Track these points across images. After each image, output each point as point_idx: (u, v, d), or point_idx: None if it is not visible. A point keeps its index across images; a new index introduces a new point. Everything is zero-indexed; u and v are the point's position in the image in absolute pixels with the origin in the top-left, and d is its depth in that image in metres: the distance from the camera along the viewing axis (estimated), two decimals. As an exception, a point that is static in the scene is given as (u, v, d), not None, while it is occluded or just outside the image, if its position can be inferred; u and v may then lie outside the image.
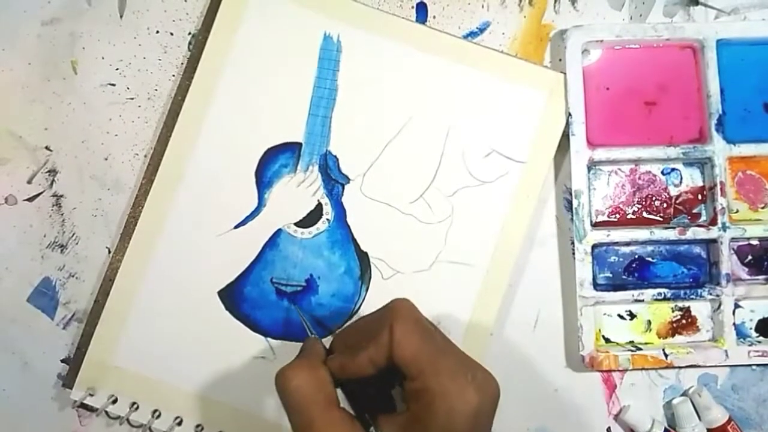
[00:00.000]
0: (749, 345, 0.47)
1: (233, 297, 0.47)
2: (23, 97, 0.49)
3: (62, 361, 0.48)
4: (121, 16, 0.49)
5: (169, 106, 0.48)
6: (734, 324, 0.47)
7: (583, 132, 0.47)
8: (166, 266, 0.47)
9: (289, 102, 0.47)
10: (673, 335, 0.48)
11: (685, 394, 0.48)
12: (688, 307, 0.48)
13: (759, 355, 0.47)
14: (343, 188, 0.47)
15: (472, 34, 0.49)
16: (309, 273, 0.47)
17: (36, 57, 0.49)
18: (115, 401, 0.46)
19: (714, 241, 0.47)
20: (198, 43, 0.48)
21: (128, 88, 0.49)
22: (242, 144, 0.47)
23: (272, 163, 0.47)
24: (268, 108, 0.47)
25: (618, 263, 0.49)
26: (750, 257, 0.49)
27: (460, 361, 0.37)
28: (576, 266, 0.47)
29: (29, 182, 0.48)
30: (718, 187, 0.47)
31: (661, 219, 0.49)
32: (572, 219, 0.47)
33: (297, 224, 0.47)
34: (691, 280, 0.48)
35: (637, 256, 0.49)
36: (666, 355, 0.47)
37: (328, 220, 0.47)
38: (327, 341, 0.43)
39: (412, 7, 0.49)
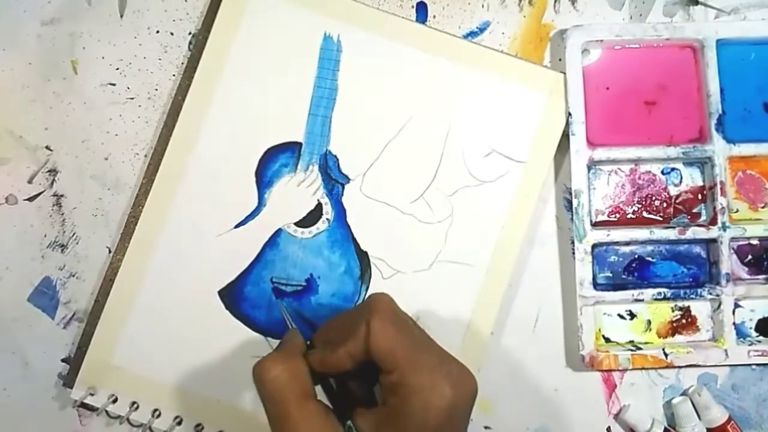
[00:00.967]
0: (749, 344, 0.47)
1: (233, 296, 0.47)
2: (23, 97, 0.49)
3: (63, 360, 0.48)
4: (121, 16, 0.49)
5: (169, 105, 0.48)
6: (734, 323, 0.47)
7: (583, 132, 0.47)
8: (166, 266, 0.47)
9: (289, 102, 0.47)
10: (673, 335, 0.48)
11: (684, 393, 0.48)
12: (688, 306, 0.48)
13: (759, 355, 0.47)
14: (343, 188, 0.47)
15: (472, 34, 0.49)
16: (309, 273, 0.47)
17: (36, 57, 0.49)
18: (115, 401, 0.46)
19: (714, 240, 0.47)
20: (198, 43, 0.48)
21: (128, 88, 0.49)
22: (242, 144, 0.47)
23: (272, 163, 0.47)
24: (268, 108, 0.47)
25: (618, 263, 0.49)
26: (750, 257, 0.49)
27: (436, 355, 0.37)
28: (576, 266, 0.47)
29: (30, 182, 0.49)
30: (718, 186, 0.47)
31: (661, 219, 0.49)
32: (572, 219, 0.47)
33: (297, 224, 0.47)
34: (691, 279, 0.49)
35: (637, 256, 0.49)
36: (666, 355, 0.47)
37: (328, 219, 0.47)
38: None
39: (412, 7, 0.49)
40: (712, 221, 0.48)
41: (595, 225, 0.48)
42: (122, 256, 0.47)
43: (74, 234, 0.48)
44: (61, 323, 0.48)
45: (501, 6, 0.49)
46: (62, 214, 0.48)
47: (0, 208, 0.48)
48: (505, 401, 0.48)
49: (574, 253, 0.47)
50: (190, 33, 0.49)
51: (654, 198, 0.49)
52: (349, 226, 0.47)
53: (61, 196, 0.49)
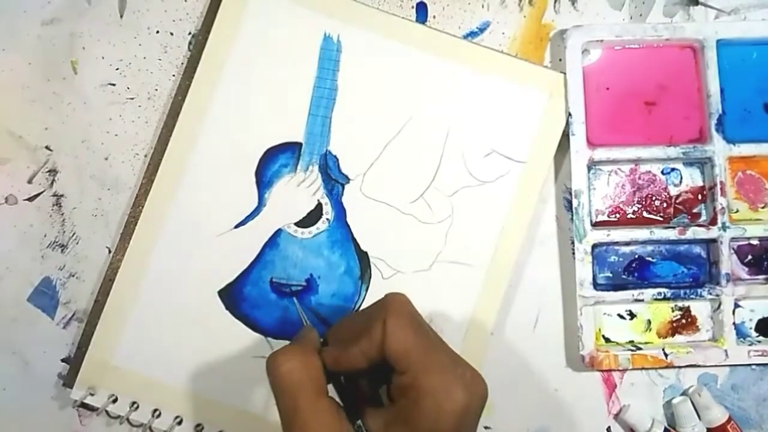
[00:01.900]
0: (749, 345, 0.47)
1: (233, 297, 0.47)
2: (23, 97, 0.49)
3: (62, 360, 0.48)
4: (121, 16, 0.49)
5: (169, 106, 0.48)
6: (734, 324, 0.47)
7: (583, 132, 0.47)
8: (166, 266, 0.47)
9: (289, 102, 0.47)
10: (673, 335, 0.48)
11: (685, 393, 0.48)
12: (688, 306, 0.48)
13: (759, 355, 0.47)
14: (343, 188, 0.47)
15: (472, 34, 0.49)
16: (309, 273, 0.47)
17: (36, 57, 0.49)
18: (115, 401, 0.46)
19: (714, 240, 0.47)
20: (198, 43, 0.48)
21: (128, 88, 0.49)
22: (242, 144, 0.47)
23: (272, 163, 0.47)
24: (268, 108, 0.47)
25: (618, 263, 0.49)
26: (750, 257, 0.49)
27: (450, 359, 0.37)
28: (576, 266, 0.47)
29: (29, 182, 0.49)
30: (718, 186, 0.47)
31: (661, 219, 0.49)
32: (572, 219, 0.47)
33: (297, 224, 0.47)
34: (691, 279, 0.49)
35: (637, 256, 0.49)
36: (666, 355, 0.47)
37: (328, 219, 0.47)
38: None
39: (412, 7, 0.49)
40: (712, 221, 0.48)
41: (595, 225, 0.48)
42: (122, 256, 0.47)
43: (74, 234, 0.48)
44: (61, 323, 0.48)
45: (501, 6, 0.49)
46: (62, 214, 0.48)
47: (0, 208, 0.48)
48: (505, 401, 0.48)
49: (574, 253, 0.47)
50: (190, 33, 0.49)
51: (654, 198, 0.49)
52: (349, 226, 0.47)
53: (61, 196, 0.49)
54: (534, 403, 0.48)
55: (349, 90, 0.47)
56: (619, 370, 0.48)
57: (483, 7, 0.49)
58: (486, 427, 0.48)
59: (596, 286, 0.47)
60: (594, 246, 0.47)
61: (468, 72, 0.47)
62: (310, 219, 0.47)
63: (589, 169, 0.48)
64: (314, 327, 0.46)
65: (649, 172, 0.49)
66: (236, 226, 0.47)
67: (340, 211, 0.47)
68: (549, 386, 0.48)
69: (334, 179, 0.47)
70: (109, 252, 0.48)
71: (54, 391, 0.48)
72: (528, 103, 0.47)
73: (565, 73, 0.47)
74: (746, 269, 0.49)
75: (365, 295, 0.47)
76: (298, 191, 0.47)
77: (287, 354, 0.37)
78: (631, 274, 0.49)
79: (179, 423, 0.46)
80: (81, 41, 0.49)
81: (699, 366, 0.48)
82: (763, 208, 0.49)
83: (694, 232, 0.47)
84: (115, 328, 0.46)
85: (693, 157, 0.48)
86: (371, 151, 0.47)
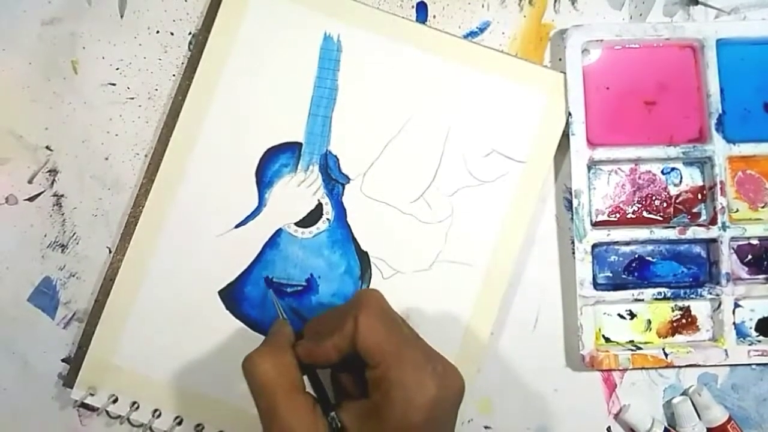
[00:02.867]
0: (749, 344, 0.47)
1: (234, 297, 0.47)
2: (23, 97, 0.49)
3: (63, 360, 0.48)
4: (121, 16, 0.49)
5: (169, 106, 0.48)
6: (734, 323, 0.47)
7: (583, 131, 0.47)
8: (166, 266, 0.47)
9: (289, 102, 0.47)
10: (673, 335, 0.48)
11: (685, 393, 0.48)
12: (688, 306, 0.48)
13: (759, 355, 0.47)
14: (344, 188, 0.47)
15: (472, 34, 0.49)
16: (309, 273, 0.47)
17: (36, 57, 0.49)
18: (115, 401, 0.46)
19: (714, 240, 0.47)
20: (198, 43, 0.48)
21: (128, 88, 0.49)
22: (242, 144, 0.47)
23: (272, 163, 0.47)
24: (268, 108, 0.47)
25: (618, 263, 0.49)
26: (750, 256, 0.49)
27: (423, 353, 0.38)
28: (576, 266, 0.47)
29: (30, 182, 0.49)
30: (718, 186, 0.47)
31: (661, 218, 0.49)
32: (572, 218, 0.47)
33: (297, 224, 0.47)
34: (691, 279, 0.49)
35: (637, 256, 0.49)
36: (666, 355, 0.47)
37: (328, 219, 0.47)
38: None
39: (412, 7, 0.49)
40: (712, 221, 0.48)
41: (595, 225, 0.48)
42: (122, 256, 0.47)
43: (74, 234, 0.48)
44: (61, 323, 0.48)
45: (501, 6, 0.49)
46: (62, 214, 0.48)
47: (0, 208, 0.48)
48: (505, 401, 0.48)
49: (574, 253, 0.47)
50: (190, 33, 0.49)
51: (654, 198, 0.49)
52: (349, 226, 0.47)
53: (61, 196, 0.49)
54: (534, 403, 0.48)
55: (349, 90, 0.47)
56: (619, 370, 0.48)
57: (483, 6, 0.49)
58: (486, 427, 0.48)
59: (596, 285, 0.47)
60: (594, 246, 0.47)
61: (468, 72, 0.47)
62: (311, 219, 0.47)
63: (589, 168, 0.48)
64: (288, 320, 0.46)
65: (649, 171, 0.49)
66: (236, 226, 0.47)
67: (341, 211, 0.47)
68: (549, 386, 0.48)
69: (334, 179, 0.47)
70: (110, 252, 0.48)
71: (54, 391, 0.48)
72: (528, 102, 0.47)
73: (565, 73, 0.47)
74: (746, 269, 0.49)
75: (365, 294, 0.47)
76: (298, 191, 0.47)
77: (261, 354, 0.38)
78: (631, 273, 0.49)
79: (179, 423, 0.46)
80: (81, 41, 0.49)
81: (699, 366, 0.48)
82: (763, 207, 0.49)
83: (694, 232, 0.47)
84: (115, 328, 0.46)
85: (693, 156, 0.48)
86: (371, 150, 0.47)
